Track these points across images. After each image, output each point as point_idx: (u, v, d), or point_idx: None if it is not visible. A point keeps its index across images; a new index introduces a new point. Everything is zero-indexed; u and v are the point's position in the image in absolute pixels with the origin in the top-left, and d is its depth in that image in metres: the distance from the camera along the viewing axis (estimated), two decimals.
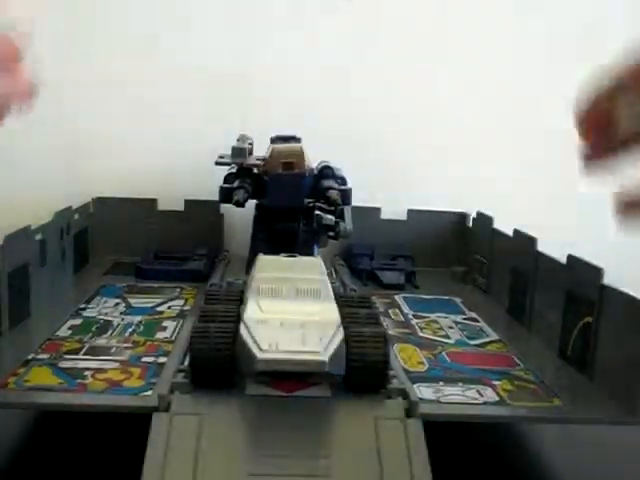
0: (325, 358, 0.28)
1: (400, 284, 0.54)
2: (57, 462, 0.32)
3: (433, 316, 0.46)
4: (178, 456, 0.26)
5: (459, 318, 0.46)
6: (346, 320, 0.31)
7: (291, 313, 0.31)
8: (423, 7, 0.64)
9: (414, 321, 0.45)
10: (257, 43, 0.63)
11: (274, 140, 0.53)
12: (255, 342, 0.28)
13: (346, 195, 0.51)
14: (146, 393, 0.31)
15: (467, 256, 0.58)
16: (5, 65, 0.32)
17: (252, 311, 0.31)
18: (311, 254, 0.50)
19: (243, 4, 0.63)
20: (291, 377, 0.29)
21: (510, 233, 0.50)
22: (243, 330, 0.29)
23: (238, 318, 0.32)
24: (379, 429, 0.28)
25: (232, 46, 0.61)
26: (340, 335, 0.29)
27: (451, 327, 0.44)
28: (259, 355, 0.28)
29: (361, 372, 0.29)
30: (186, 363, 0.32)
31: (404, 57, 0.65)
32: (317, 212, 0.50)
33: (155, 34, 0.63)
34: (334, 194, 0.49)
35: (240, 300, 0.35)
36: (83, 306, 0.44)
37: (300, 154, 0.49)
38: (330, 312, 0.31)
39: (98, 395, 0.30)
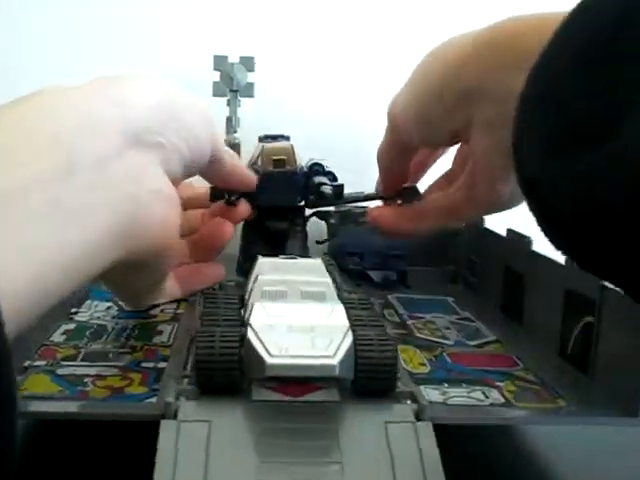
0: (335, 362, 0.28)
1: (392, 283, 0.54)
2: (60, 473, 0.31)
3: (429, 316, 0.46)
4: (188, 464, 0.25)
5: (454, 318, 0.46)
6: (353, 322, 0.31)
7: (298, 317, 0.30)
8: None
9: (410, 322, 0.45)
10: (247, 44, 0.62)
11: (262, 139, 0.53)
12: (264, 347, 0.28)
13: (339, 191, 0.50)
14: (150, 400, 0.30)
15: (458, 255, 0.58)
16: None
17: (258, 315, 0.30)
18: (304, 253, 0.50)
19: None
20: (298, 381, 0.29)
21: (502, 232, 0.50)
22: (251, 334, 0.29)
23: (242, 322, 0.31)
24: (390, 433, 0.28)
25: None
26: (349, 338, 0.29)
27: (447, 328, 0.44)
28: (269, 360, 0.27)
29: (370, 375, 0.29)
30: (189, 369, 0.32)
31: (401, 57, 0.65)
32: (317, 180, 0.49)
33: (154, 35, 0.63)
34: (327, 189, 0.49)
35: (240, 304, 0.35)
36: (74, 310, 0.43)
37: (291, 151, 0.49)
38: (338, 315, 0.31)
39: (101, 403, 0.30)
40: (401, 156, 0.43)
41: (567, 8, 0.23)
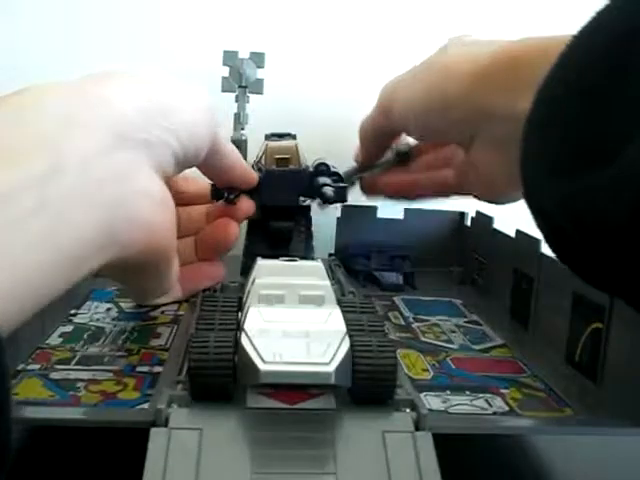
0: (331, 369, 0.27)
1: (399, 285, 0.53)
2: (48, 479, 0.31)
3: (434, 319, 0.45)
4: (178, 473, 0.25)
5: (461, 321, 0.45)
6: (351, 327, 0.30)
7: (294, 321, 0.29)
8: None
9: (415, 324, 0.44)
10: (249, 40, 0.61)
11: (268, 137, 0.52)
12: (257, 353, 0.27)
13: (341, 193, 0.49)
14: (142, 406, 0.29)
15: (465, 256, 0.57)
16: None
17: (253, 320, 0.29)
18: (308, 254, 0.49)
19: None
20: (293, 388, 0.28)
21: (511, 234, 0.49)
22: (244, 340, 0.28)
23: (238, 326, 0.30)
24: (387, 443, 0.27)
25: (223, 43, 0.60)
26: (346, 344, 0.28)
27: (453, 331, 0.43)
28: (262, 367, 0.26)
29: (368, 383, 0.28)
30: (184, 374, 0.31)
31: (399, 53, 0.64)
32: (321, 180, 0.49)
33: (162, 30, 0.62)
34: (329, 191, 0.48)
35: (238, 307, 0.34)
36: (74, 312, 0.42)
37: (295, 150, 0.48)
38: (335, 320, 0.30)
39: (92, 409, 0.29)
40: (387, 137, 0.44)
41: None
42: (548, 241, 0.24)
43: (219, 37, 0.62)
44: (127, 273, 0.32)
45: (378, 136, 0.44)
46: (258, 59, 0.58)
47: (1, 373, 0.20)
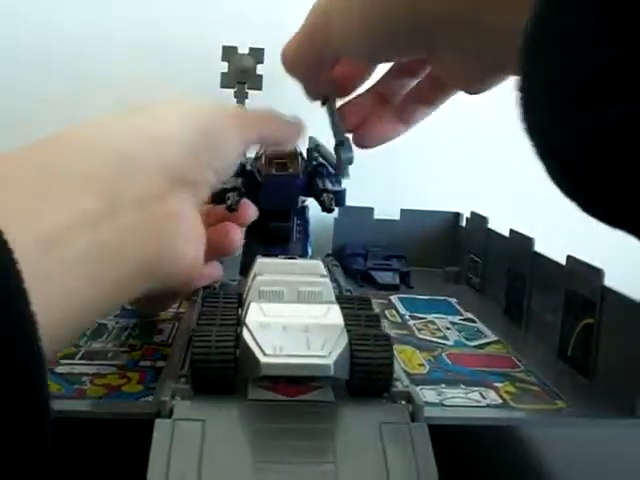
0: (330, 362, 0.28)
1: (395, 284, 0.53)
2: (53, 470, 0.32)
3: (430, 317, 0.46)
4: (181, 463, 0.25)
5: (456, 319, 0.46)
6: (348, 322, 0.31)
7: (294, 316, 0.30)
8: None
9: (411, 322, 0.45)
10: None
11: None
12: (258, 346, 0.28)
13: (340, 197, 0.50)
14: (146, 398, 0.30)
15: (460, 256, 0.58)
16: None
17: (254, 314, 0.30)
18: (306, 253, 0.50)
19: None
20: (293, 381, 0.29)
21: (505, 233, 0.50)
22: (246, 334, 0.29)
23: (239, 322, 0.31)
24: (384, 434, 0.27)
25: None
26: (344, 338, 0.29)
27: (448, 328, 0.44)
28: (263, 359, 0.27)
29: (366, 376, 0.29)
30: (186, 368, 0.32)
31: None
32: (320, 184, 0.49)
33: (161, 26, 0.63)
34: (327, 200, 0.48)
35: (239, 303, 0.35)
36: None
37: (294, 154, 0.49)
38: (333, 315, 0.31)
39: (98, 401, 0.30)
40: (322, 65, 0.37)
41: None
42: (552, 175, 0.19)
43: (218, 32, 0.62)
44: (154, 296, 0.33)
45: (311, 67, 0.37)
46: (257, 55, 0.58)
47: (42, 370, 0.21)
